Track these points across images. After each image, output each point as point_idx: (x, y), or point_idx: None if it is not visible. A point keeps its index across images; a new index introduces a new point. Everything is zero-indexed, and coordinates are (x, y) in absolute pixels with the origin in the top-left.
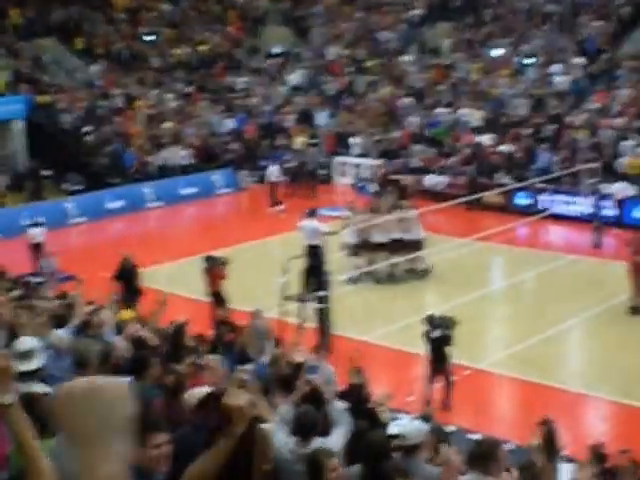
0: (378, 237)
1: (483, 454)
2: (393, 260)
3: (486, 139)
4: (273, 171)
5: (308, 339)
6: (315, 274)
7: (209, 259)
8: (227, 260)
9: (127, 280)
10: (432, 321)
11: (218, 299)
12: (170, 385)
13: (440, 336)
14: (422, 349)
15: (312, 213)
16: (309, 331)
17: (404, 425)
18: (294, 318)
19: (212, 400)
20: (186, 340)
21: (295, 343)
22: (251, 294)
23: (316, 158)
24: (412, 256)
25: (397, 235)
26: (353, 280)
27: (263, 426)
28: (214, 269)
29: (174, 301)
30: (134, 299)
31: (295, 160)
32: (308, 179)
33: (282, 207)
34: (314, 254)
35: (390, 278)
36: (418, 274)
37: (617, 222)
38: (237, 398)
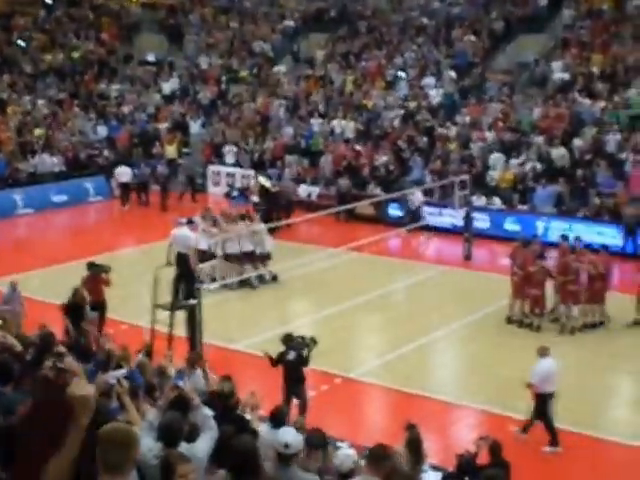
0: (230, 248)
1: (380, 457)
2: (245, 272)
3: (359, 150)
4: (123, 172)
5: (179, 347)
6: (185, 282)
7: (92, 266)
8: (110, 267)
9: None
10: (288, 342)
11: (99, 307)
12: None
13: (295, 359)
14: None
15: (187, 221)
16: (179, 339)
17: (290, 434)
18: (164, 326)
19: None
20: (54, 347)
21: (166, 351)
22: (122, 302)
23: (191, 167)
24: (263, 270)
25: (248, 248)
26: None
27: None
28: (97, 276)
29: (44, 308)
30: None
31: (167, 168)
32: (181, 188)
33: (127, 207)
34: (184, 262)
35: (241, 285)
36: (267, 281)
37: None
38: (81, 389)
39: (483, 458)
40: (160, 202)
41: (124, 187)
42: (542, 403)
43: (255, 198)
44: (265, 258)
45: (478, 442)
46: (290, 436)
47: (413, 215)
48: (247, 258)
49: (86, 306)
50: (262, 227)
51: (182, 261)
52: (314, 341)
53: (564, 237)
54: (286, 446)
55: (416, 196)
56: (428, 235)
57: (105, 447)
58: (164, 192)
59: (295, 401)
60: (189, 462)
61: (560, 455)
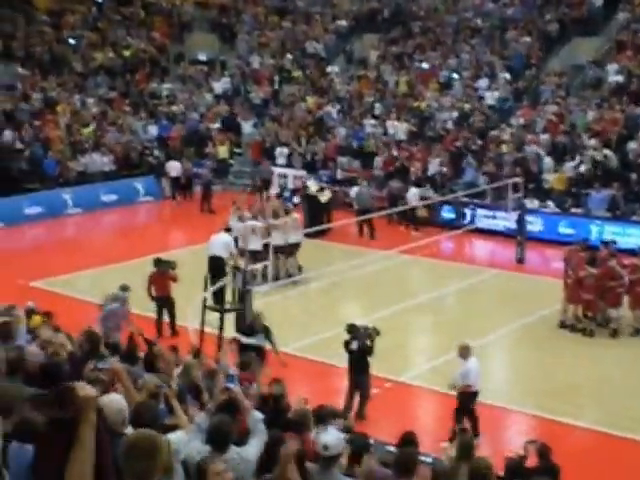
0: (254, 244)
1: (407, 464)
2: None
3: (412, 152)
4: (173, 166)
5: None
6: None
7: (159, 262)
8: (176, 263)
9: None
10: (352, 332)
11: (167, 303)
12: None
13: (358, 348)
14: (342, 361)
15: (227, 230)
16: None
17: (331, 436)
18: (214, 329)
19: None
20: (101, 348)
21: (219, 353)
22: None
23: (268, 170)
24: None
25: (275, 241)
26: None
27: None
28: (165, 272)
29: (92, 309)
30: None
31: (210, 169)
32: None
33: (176, 201)
34: (218, 266)
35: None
36: (294, 274)
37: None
38: (85, 390)
39: (532, 462)
40: (201, 203)
41: (174, 182)
42: (472, 401)
43: (296, 199)
44: (294, 248)
45: (526, 445)
46: (330, 437)
47: (411, 213)
48: (292, 249)
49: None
50: (294, 218)
51: (216, 264)
52: (377, 331)
53: (605, 243)
54: (325, 447)
55: (411, 194)
56: (417, 232)
57: (129, 455)
58: (206, 193)
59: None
60: (222, 461)
61: (610, 460)
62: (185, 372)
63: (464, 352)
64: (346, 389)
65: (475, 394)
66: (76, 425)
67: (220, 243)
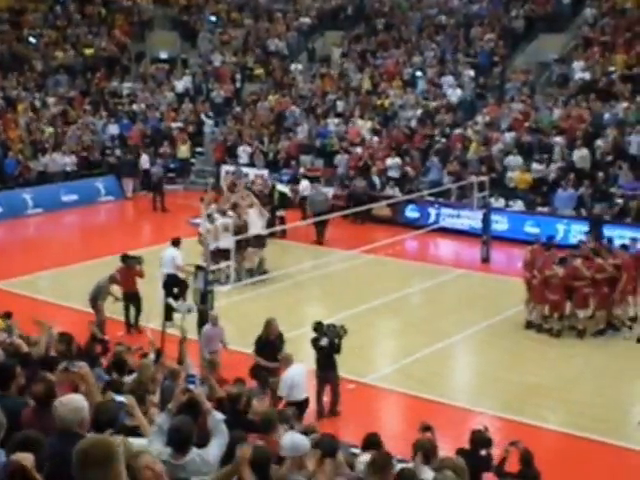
0: (225, 242)
1: (380, 467)
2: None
3: (376, 150)
4: (145, 160)
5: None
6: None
7: (126, 258)
8: (142, 259)
9: None
10: (319, 329)
11: (134, 299)
12: (39, 393)
13: (328, 344)
14: (306, 362)
15: (175, 242)
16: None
17: (287, 437)
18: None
19: None
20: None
21: (180, 354)
22: None
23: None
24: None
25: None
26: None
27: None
28: (131, 268)
29: (53, 310)
30: None
31: (161, 168)
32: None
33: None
34: (173, 282)
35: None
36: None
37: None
38: None
39: (513, 463)
40: (153, 201)
41: (145, 174)
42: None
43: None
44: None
45: (508, 447)
46: (285, 439)
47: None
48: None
49: None
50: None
51: (170, 281)
52: (344, 330)
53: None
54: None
55: (302, 185)
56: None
57: (81, 463)
58: (158, 193)
59: (327, 391)
60: (148, 454)
61: (575, 462)
62: (139, 372)
63: (283, 362)
64: (315, 388)
65: (295, 404)
66: None
67: (168, 260)
